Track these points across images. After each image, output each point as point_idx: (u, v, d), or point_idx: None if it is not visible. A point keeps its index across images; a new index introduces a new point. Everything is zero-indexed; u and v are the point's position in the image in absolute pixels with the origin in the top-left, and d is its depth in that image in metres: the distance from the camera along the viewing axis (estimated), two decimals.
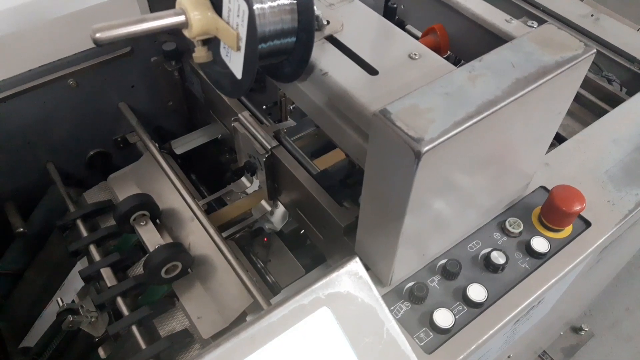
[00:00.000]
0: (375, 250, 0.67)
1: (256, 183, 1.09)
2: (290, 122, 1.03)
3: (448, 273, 0.70)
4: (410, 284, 0.70)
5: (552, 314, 1.04)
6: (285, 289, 0.97)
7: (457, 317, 0.67)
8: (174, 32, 0.58)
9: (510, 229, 0.76)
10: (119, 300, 0.90)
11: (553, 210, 0.74)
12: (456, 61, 0.91)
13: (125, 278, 0.94)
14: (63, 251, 1.03)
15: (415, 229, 0.61)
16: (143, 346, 0.84)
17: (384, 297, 0.66)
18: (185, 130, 1.22)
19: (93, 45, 0.54)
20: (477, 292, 0.69)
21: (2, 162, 1.04)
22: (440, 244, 0.73)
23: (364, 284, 0.56)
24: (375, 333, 0.55)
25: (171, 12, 0.57)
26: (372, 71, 0.64)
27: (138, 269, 0.97)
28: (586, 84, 1.03)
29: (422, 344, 0.65)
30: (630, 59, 1.04)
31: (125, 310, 0.88)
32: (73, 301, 0.95)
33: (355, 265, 0.57)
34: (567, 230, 0.77)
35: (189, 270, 0.92)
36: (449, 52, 0.82)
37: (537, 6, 1.14)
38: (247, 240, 1.08)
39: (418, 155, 0.49)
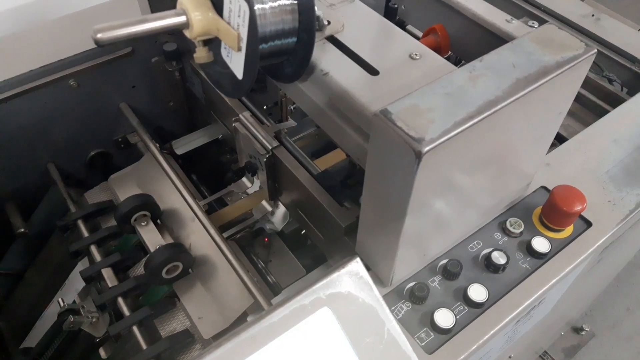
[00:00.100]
0: (376, 251, 0.67)
1: (257, 183, 1.09)
2: (291, 123, 1.04)
3: (449, 273, 0.70)
4: (411, 284, 0.70)
5: (553, 314, 1.03)
6: (286, 289, 0.98)
7: (457, 317, 0.67)
8: (175, 32, 0.59)
9: (511, 229, 0.76)
10: (120, 300, 0.90)
11: (554, 210, 0.74)
12: (457, 61, 0.91)
13: (126, 278, 0.94)
14: (64, 251, 1.03)
15: (416, 229, 0.61)
16: (144, 346, 0.84)
17: (384, 297, 0.66)
18: (186, 131, 1.22)
19: (94, 46, 0.54)
20: (478, 292, 0.69)
21: (3, 163, 1.04)
22: (441, 244, 0.73)
23: (364, 284, 0.56)
24: (376, 333, 0.55)
25: (172, 12, 0.57)
26: (372, 71, 0.64)
27: (139, 270, 0.97)
28: (587, 84, 1.03)
29: (423, 344, 0.65)
30: (631, 59, 1.04)
31: (126, 311, 0.89)
32: (74, 301, 0.95)
33: (356, 266, 0.57)
34: (568, 231, 0.77)
35: (190, 270, 0.92)
36: (449, 52, 0.82)
37: (538, 6, 1.14)
38: (247, 240, 1.08)
39: (419, 156, 0.49)
